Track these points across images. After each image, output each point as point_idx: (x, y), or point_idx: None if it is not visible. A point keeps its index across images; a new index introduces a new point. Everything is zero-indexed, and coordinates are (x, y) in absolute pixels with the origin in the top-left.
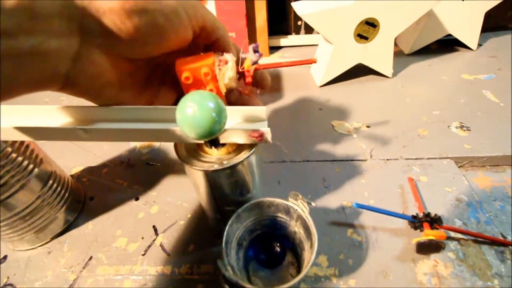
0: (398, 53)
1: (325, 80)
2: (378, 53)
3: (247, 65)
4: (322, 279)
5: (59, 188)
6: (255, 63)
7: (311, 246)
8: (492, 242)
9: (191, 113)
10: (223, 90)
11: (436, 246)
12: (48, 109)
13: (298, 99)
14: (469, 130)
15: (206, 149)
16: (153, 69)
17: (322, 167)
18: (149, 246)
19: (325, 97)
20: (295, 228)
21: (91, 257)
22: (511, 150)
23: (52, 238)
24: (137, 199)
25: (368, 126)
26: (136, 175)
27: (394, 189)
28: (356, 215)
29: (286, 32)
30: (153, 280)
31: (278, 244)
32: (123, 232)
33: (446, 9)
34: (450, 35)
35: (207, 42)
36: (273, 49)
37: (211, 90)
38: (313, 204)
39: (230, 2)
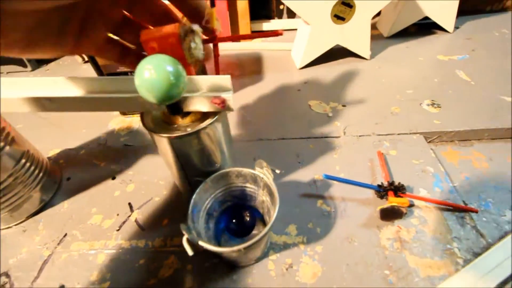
0: (377, 36)
1: (304, 62)
2: (355, 34)
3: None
4: (291, 247)
5: (32, 168)
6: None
7: (275, 208)
8: (454, 208)
9: (148, 76)
10: (189, 61)
11: (398, 212)
12: (12, 81)
13: (278, 81)
14: (440, 107)
15: (172, 119)
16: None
17: (297, 144)
18: (124, 222)
19: (304, 78)
20: (263, 196)
21: (65, 234)
22: (480, 124)
23: (28, 217)
24: (113, 178)
25: (344, 105)
26: (114, 156)
27: (365, 162)
28: (327, 187)
29: (269, 16)
30: (126, 253)
31: (247, 214)
32: (99, 210)
33: None
34: (427, 18)
35: None
36: (255, 33)
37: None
38: (277, 171)
39: None
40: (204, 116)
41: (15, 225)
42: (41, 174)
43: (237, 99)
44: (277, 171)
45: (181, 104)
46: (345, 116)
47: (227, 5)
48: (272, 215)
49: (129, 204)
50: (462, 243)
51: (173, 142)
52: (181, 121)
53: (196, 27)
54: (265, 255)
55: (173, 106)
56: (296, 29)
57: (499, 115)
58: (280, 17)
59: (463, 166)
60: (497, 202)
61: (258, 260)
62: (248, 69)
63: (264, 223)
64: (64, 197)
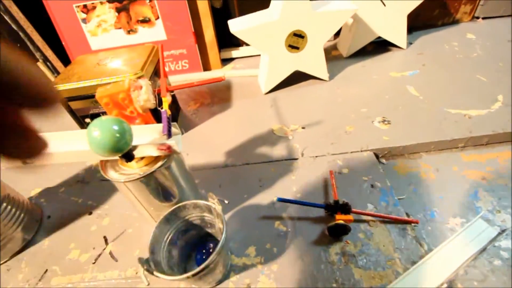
0: (337, 57)
1: (268, 87)
2: (311, 60)
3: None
4: (250, 267)
5: (13, 210)
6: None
7: (223, 235)
8: (396, 221)
9: (96, 135)
10: (140, 111)
11: (343, 229)
12: None
13: (245, 107)
14: (390, 123)
15: (128, 163)
16: None
17: (260, 168)
18: (99, 255)
19: (269, 103)
20: (219, 224)
21: (46, 270)
22: (425, 138)
23: (12, 257)
24: (90, 213)
25: (303, 127)
26: (91, 191)
27: (319, 182)
28: (285, 208)
29: (237, 44)
30: (101, 285)
31: (211, 245)
32: (76, 245)
33: (370, 15)
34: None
35: None
36: (226, 61)
37: (131, 112)
38: (226, 201)
39: (176, 21)
40: (157, 158)
41: (0, 264)
42: (22, 215)
43: (207, 128)
44: (226, 202)
45: (132, 152)
46: (304, 138)
47: (195, 39)
48: (218, 243)
49: (104, 237)
50: (403, 253)
51: (128, 185)
52: (136, 165)
53: (144, 82)
54: (226, 277)
55: (125, 154)
56: None
57: (444, 127)
58: (248, 44)
59: (412, 178)
60: (441, 211)
61: (220, 282)
62: (218, 97)
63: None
64: (45, 235)
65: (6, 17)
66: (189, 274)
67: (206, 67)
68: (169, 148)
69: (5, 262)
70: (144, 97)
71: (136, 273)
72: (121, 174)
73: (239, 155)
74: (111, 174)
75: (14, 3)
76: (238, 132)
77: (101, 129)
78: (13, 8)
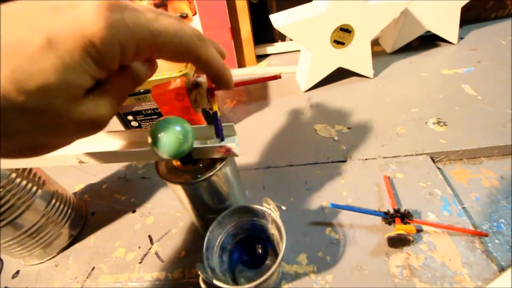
0: (380, 53)
1: (308, 85)
2: (356, 57)
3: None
4: (302, 276)
5: (62, 206)
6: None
7: (282, 245)
8: (463, 233)
9: (160, 137)
10: (195, 110)
11: (405, 240)
12: None
13: (284, 106)
14: (446, 125)
15: (183, 166)
16: None
17: (304, 170)
18: (145, 255)
19: (309, 101)
20: (272, 230)
21: (93, 268)
22: (488, 142)
23: (59, 252)
24: (134, 211)
25: (349, 128)
26: (133, 189)
27: (371, 187)
28: (335, 214)
29: (272, 40)
30: (149, 286)
31: (260, 246)
32: (122, 243)
33: (422, 7)
34: (430, 31)
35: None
36: (260, 57)
37: (185, 110)
38: (283, 207)
39: (214, 17)
40: (212, 160)
41: (48, 260)
42: (69, 211)
43: (245, 126)
44: (283, 208)
45: (191, 155)
46: (350, 139)
47: (231, 35)
48: (280, 251)
49: (149, 236)
50: (473, 269)
51: (185, 187)
52: (191, 167)
53: (201, 79)
54: (277, 285)
55: (185, 157)
56: (299, 50)
57: (508, 131)
58: (283, 40)
59: (473, 186)
60: (510, 223)
61: None
62: (255, 95)
63: (276, 252)
64: (90, 231)
65: None
66: (252, 285)
67: (241, 63)
68: (228, 150)
69: (53, 257)
70: (200, 96)
71: (183, 276)
72: (175, 176)
73: (281, 155)
74: (167, 176)
75: None
76: (278, 131)
77: (166, 131)
78: None
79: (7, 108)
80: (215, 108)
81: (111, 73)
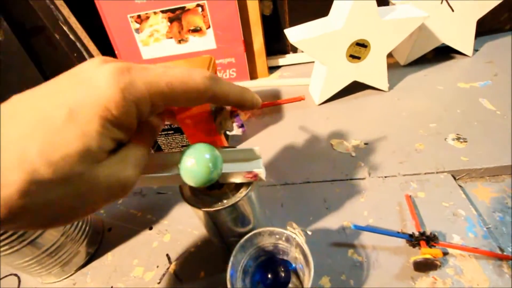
0: (394, 65)
1: (322, 99)
2: (371, 70)
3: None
4: None
5: (80, 223)
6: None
7: (309, 273)
8: (489, 256)
9: (190, 165)
10: (220, 132)
11: (432, 265)
12: None
13: (298, 119)
14: (466, 142)
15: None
16: None
17: (322, 187)
18: (164, 275)
19: (324, 115)
20: (296, 254)
21: (111, 287)
22: (510, 159)
23: (76, 270)
24: (150, 228)
25: (366, 143)
26: (149, 204)
27: (393, 206)
28: (357, 235)
29: (284, 51)
30: None
31: (282, 269)
32: (140, 262)
33: (437, 21)
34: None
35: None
36: (272, 69)
37: (209, 131)
38: (309, 232)
39: (227, 30)
40: (237, 184)
41: (65, 278)
42: (87, 228)
43: (260, 140)
44: (309, 233)
45: (219, 181)
46: (368, 155)
47: (244, 47)
48: (308, 281)
49: (167, 255)
50: None
51: (210, 213)
52: (217, 192)
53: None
54: None
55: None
56: (311, 62)
57: None
58: (295, 51)
59: (496, 205)
60: None
61: None
62: (268, 108)
63: (298, 275)
64: (108, 249)
65: (65, 28)
66: None
67: (253, 75)
68: (256, 176)
69: (71, 275)
70: (225, 119)
71: None
72: (200, 200)
73: (298, 171)
74: (192, 201)
75: (72, 14)
76: (293, 145)
77: (197, 160)
78: (71, 19)
79: (39, 182)
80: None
81: (131, 132)
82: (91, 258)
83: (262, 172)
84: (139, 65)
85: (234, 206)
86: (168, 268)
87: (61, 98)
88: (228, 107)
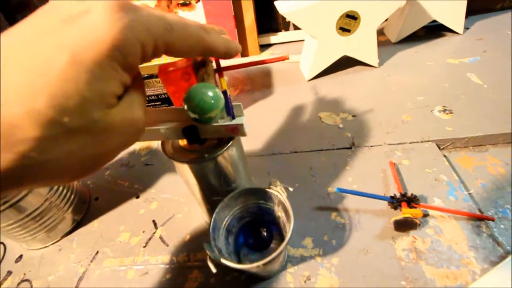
0: (385, 42)
1: (313, 74)
2: (362, 45)
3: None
4: (308, 259)
5: (65, 191)
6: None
7: (290, 226)
8: (469, 217)
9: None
10: None
11: (412, 223)
12: None
13: (288, 94)
14: (452, 113)
15: (190, 146)
16: None
17: (309, 157)
18: (150, 239)
19: (314, 90)
20: (279, 212)
21: (97, 252)
22: (492, 129)
23: (62, 237)
24: (137, 197)
25: (354, 116)
26: (136, 175)
27: (377, 173)
28: (340, 200)
29: (276, 29)
30: (154, 269)
31: (264, 229)
32: (126, 228)
33: None
34: (435, 21)
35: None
36: (264, 47)
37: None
38: (290, 189)
39: (217, 5)
40: (219, 140)
41: (51, 244)
42: (72, 196)
43: (249, 114)
44: (290, 189)
45: (199, 132)
46: (355, 126)
47: (235, 23)
48: (288, 232)
49: (153, 221)
50: (479, 252)
51: (192, 167)
52: (198, 147)
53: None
54: (283, 268)
55: (191, 134)
56: (303, 40)
57: None
58: (287, 29)
59: (479, 173)
60: None
61: (277, 273)
62: (259, 83)
63: (281, 236)
64: (94, 217)
65: None
66: (260, 263)
67: (244, 53)
68: (236, 129)
69: (56, 242)
70: (207, 75)
71: (188, 259)
72: (182, 156)
73: (285, 142)
74: (174, 156)
75: None
76: (282, 119)
77: (204, 88)
78: None
79: (57, 133)
80: (225, 86)
81: (133, 76)
82: (77, 225)
83: (243, 125)
84: (139, 5)
85: (216, 160)
86: (154, 233)
87: (56, 39)
88: (212, 63)
